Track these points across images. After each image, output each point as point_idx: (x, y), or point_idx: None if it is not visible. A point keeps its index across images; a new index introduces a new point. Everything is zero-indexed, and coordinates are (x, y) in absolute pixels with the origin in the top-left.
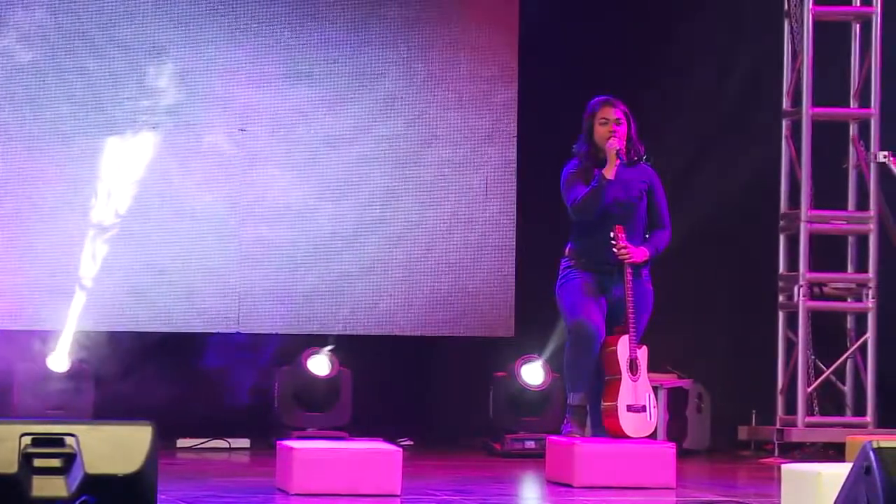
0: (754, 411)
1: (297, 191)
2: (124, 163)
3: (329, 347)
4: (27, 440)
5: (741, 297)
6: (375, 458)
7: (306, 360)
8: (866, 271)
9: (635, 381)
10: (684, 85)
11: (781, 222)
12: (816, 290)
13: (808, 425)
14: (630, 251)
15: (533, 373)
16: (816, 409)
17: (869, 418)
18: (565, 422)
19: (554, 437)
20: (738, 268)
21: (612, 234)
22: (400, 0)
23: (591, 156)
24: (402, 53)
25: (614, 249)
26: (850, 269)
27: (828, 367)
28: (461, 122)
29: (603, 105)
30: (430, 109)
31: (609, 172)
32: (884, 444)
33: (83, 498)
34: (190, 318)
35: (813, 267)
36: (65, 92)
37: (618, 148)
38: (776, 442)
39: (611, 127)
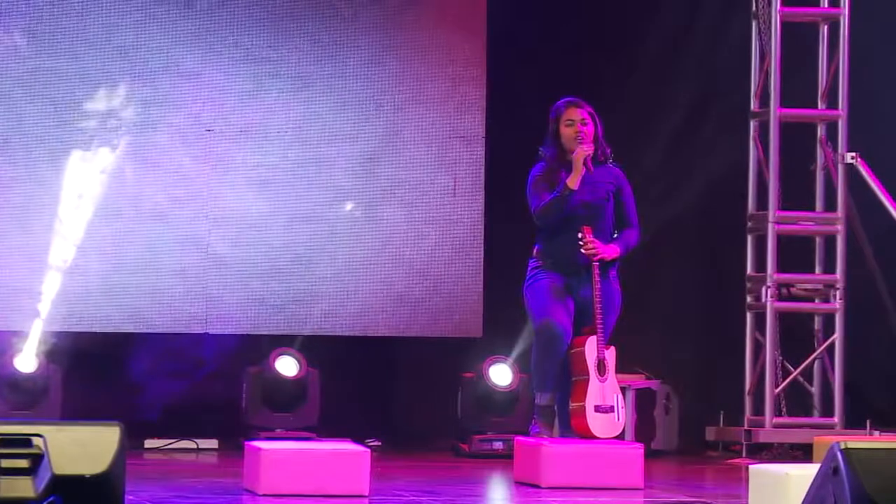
0: (722, 412)
1: (266, 192)
2: (92, 164)
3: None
4: None
5: (709, 297)
6: (343, 459)
7: (274, 360)
8: (834, 272)
9: (603, 382)
10: (652, 85)
11: (749, 223)
12: (784, 290)
13: (776, 426)
14: (598, 247)
15: (501, 373)
16: (784, 409)
17: (836, 419)
18: (533, 422)
19: (522, 438)
20: (706, 269)
21: (579, 235)
22: (368, 1)
23: (558, 158)
24: (369, 54)
25: (583, 249)
26: (817, 270)
27: (795, 368)
28: (429, 123)
29: (568, 106)
30: (398, 110)
31: (573, 182)
32: (851, 444)
33: (51, 499)
34: (158, 318)
35: (781, 268)
36: (32, 92)
37: (586, 155)
38: (744, 443)
39: (577, 128)
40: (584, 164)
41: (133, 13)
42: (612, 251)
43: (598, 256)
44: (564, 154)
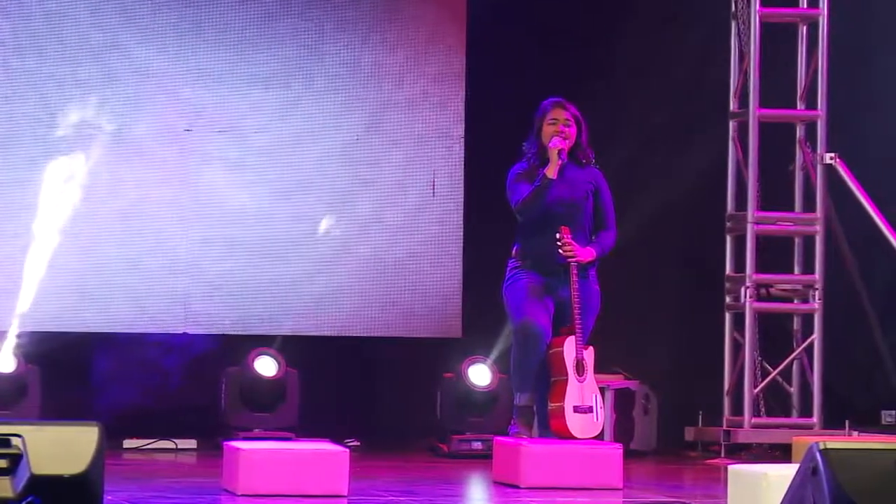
0: (701, 412)
1: (244, 192)
2: (70, 165)
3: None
4: None
5: (688, 298)
6: (322, 459)
7: (253, 360)
8: (813, 273)
9: (582, 382)
10: (631, 86)
11: (728, 223)
12: (763, 291)
13: (755, 426)
14: (576, 250)
15: (480, 374)
16: (763, 410)
17: (815, 419)
18: (512, 423)
19: (501, 438)
20: (685, 269)
21: (557, 235)
22: (348, 0)
23: (539, 155)
24: (349, 54)
25: (560, 250)
26: (796, 270)
27: (774, 369)
28: (408, 123)
29: (554, 106)
30: (377, 110)
31: (551, 172)
32: (830, 444)
33: (29, 499)
34: (137, 318)
35: (759, 268)
36: (8, 94)
37: (560, 148)
38: (723, 443)
39: (559, 127)
40: (559, 155)
41: (110, 13)
42: (588, 254)
43: (575, 259)
44: (545, 152)
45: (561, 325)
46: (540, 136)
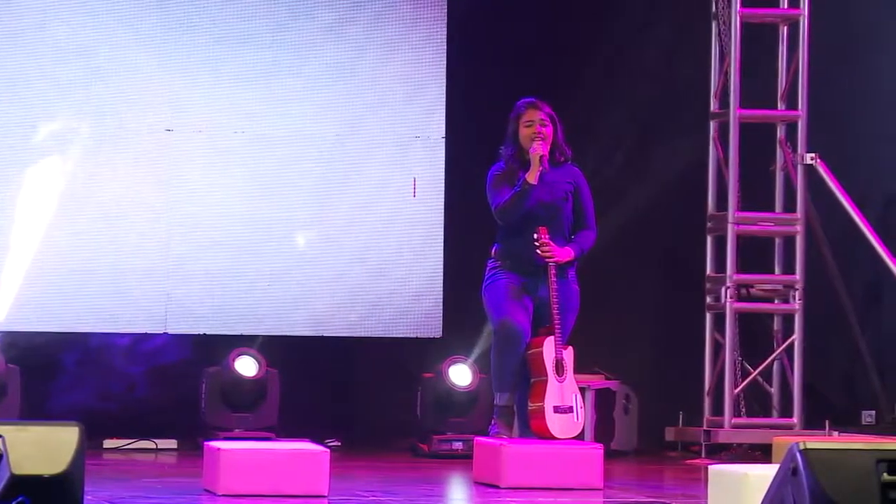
0: (681, 412)
1: (224, 192)
2: (52, 165)
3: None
4: None
5: (669, 298)
6: (303, 459)
7: (234, 360)
8: (793, 273)
9: (561, 383)
10: (612, 86)
11: (709, 224)
12: (743, 291)
13: (735, 426)
14: (553, 251)
15: (460, 374)
16: (743, 410)
17: (795, 419)
18: (492, 423)
19: (481, 438)
20: (665, 269)
21: (535, 236)
22: (329, 1)
23: (516, 158)
24: (330, 54)
25: (538, 250)
26: (777, 270)
27: (755, 369)
28: (389, 124)
29: (528, 107)
30: (357, 110)
31: (532, 177)
32: (810, 445)
33: (20, 499)
34: (117, 318)
35: (740, 268)
36: None
37: (541, 154)
38: (703, 443)
39: (535, 129)
40: (540, 161)
41: (93, 13)
42: (566, 254)
43: (553, 259)
44: (523, 154)
45: (540, 326)
46: (517, 138)
